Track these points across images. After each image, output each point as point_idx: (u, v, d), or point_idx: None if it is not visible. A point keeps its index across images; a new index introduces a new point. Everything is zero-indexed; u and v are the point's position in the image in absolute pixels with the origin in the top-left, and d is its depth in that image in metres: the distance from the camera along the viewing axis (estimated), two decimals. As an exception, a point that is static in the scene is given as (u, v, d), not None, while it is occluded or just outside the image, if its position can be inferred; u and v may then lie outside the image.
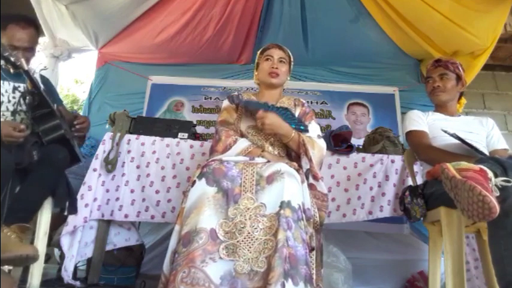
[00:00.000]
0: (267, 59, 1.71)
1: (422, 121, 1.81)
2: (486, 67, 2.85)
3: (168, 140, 2.01)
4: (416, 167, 1.95)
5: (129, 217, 1.87)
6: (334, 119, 3.18)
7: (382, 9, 2.77)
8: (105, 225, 1.90)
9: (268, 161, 1.39)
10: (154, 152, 1.97)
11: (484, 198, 1.05)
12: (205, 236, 1.13)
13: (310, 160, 1.49)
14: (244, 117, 1.67)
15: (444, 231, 1.42)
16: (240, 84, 3.27)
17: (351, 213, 1.94)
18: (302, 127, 1.57)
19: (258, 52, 1.79)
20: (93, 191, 1.81)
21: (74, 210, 1.68)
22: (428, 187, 1.57)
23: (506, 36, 2.90)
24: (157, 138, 2.00)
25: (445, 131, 1.59)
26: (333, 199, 1.95)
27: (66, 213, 1.64)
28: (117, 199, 1.88)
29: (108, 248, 1.91)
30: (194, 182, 1.26)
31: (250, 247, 1.13)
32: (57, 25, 2.89)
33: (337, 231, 2.19)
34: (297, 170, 1.35)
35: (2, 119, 1.58)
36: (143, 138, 2.00)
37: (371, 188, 1.97)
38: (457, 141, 1.57)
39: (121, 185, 1.90)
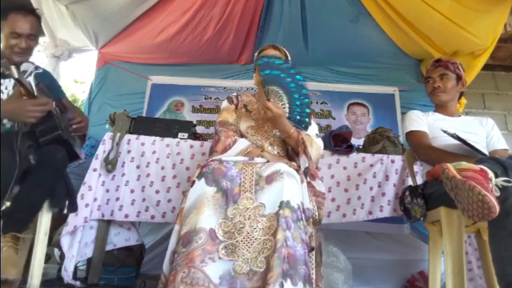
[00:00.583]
0: None
1: (422, 121, 1.81)
2: (486, 67, 2.84)
3: (168, 140, 2.01)
4: (416, 167, 1.95)
5: (129, 217, 1.88)
6: (334, 119, 3.18)
7: (382, 9, 2.77)
8: (105, 225, 1.90)
9: (268, 161, 1.39)
10: (154, 152, 1.97)
11: (484, 197, 1.05)
12: (204, 236, 1.13)
13: (309, 158, 1.48)
14: (244, 117, 1.67)
15: (444, 231, 1.42)
16: (240, 84, 3.27)
17: (351, 213, 1.94)
18: (304, 125, 1.57)
19: (255, 54, 1.80)
20: (93, 191, 1.81)
21: (73, 208, 1.66)
22: (428, 187, 1.57)
23: (506, 36, 2.89)
24: (157, 138, 2.00)
25: (445, 131, 1.59)
26: (333, 199, 1.95)
27: (65, 212, 1.63)
28: (117, 199, 1.88)
29: (108, 248, 1.91)
30: (194, 182, 1.26)
31: (249, 247, 1.13)
32: (58, 25, 2.89)
33: (337, 231, 2.19)
34: (297, 170, 1.35)
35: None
36: (143, 138, 2.00)
37: (371, 188, 1.97)
38: (457, 142, 1.57)
39: (121, 185, 1.90)
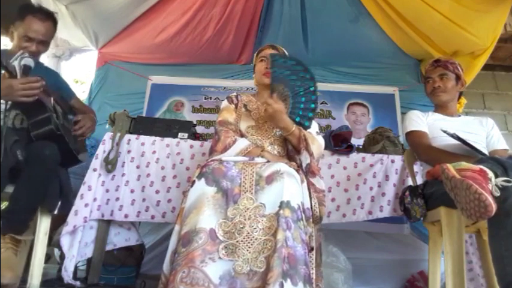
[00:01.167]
0: (261, 60, 1.72)
1: (422, 121, 1.81)
2: (486, 67, 2.84)
3: (168, 140, 2.01)
4: (416, 167, 1.95)
5: (129, 217, 1.87)
6: (334, 119, 3.18)
7: (382, 9, 2.77)
8: (105, 225, 1.90)
9: (268, 161, 1.39)
10: (154, 152, 1.97)
11: (480, 196, 1.05)
12: (204, 236, 1.13)
13: (311, 155, 1.48)
14: (244, 117, 1.67)
15: (444, 231, 1.42)
16: (240, 84, 3.27)
17: (350, 213, 1.94)
18: (306, 123, 1.57)
19: (255, 54, 1.80)
20: (93, 190, 1.81)
21: (66, 208, 1.65)
22: (428, 187, 1.57)
23: (506, 36, 2.89)
24: (157, 138, 2.00)
25: (445, 131, 1.59)
26: (333, 199, 1.95)
27: (56, 213, 1.61)
28: (117, 199, 1.87)
29: (108, 248, 1.91)
30: (194, 182, 1.26)
31: (249, 247, 1.13)
32: (58, 25, 2.89)
33: (337, 231, 2.19)
34: (297, 170, 1.35)
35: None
36: (143, 138, 2.00)
37: (371, 188, 1.97)
38: (457, 142, 1.57)
39: (121, 185, 1.90)
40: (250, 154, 1.49)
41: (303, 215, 1.24)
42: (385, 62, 3.26)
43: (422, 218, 1.62)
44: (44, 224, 1.59)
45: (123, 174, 1.91)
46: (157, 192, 1.91)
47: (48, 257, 2.18)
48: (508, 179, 1.14)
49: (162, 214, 1.89)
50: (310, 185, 1.42)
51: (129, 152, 1.96)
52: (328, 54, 3.20)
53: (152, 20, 2.95)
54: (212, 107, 3.22)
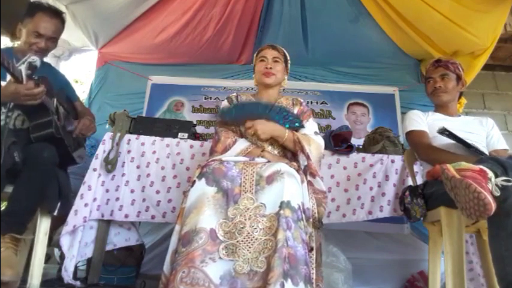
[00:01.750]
0: (262, 60, 1.72)
1: (422, 121, 1.81)
2: (486, 67, 2.84)
3: (168, 140, 2.01)
4: (416, 167, 1.95)
5: (129, 217, 1.87)
6: (334, 119, 3.18)
7: (382, 9, 2.77)
8: (105, 225, 1.90)
9: (268, 161, 1.39)
10: (154, 152, 1.97)
11: (479, 195, 1.05)
12: (205, 236, 1.13)
13: (307, 157, 1.49)
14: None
15: (444, 231, 1.42)
16: (240, 84, 3.27)
17: (350, 213, 1.94)
18: (297, 124, 1.57)
19: (254, 55, 1.80)
20: (93, 190, 1.81)
21: (65, 209, 1.65)
22: (428, 187, 1.57)
23: (506, 36, 2.89)
24: (157, 138, 2.00)
25: (440, 132, 1.58)
26: (333, 199, 1.95)
27: (55, 214, 1.62)
28: (117, 199, 1.87)
29: (108, 248, 1.91)
30: (194, 182, 1.26)
31: (249, 247, 1.13)
32: (58, 25, 2.89)
33: (337, 231, 2.19)
34: (297, 170, 1.35)
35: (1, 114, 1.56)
36: (143, 138, 2.00)
37: (371, 188, 1.97)
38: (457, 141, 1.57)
39: (121, 185, 1.90)
40: (250, 154, 1.49)
41: (303, 215, 1.24)
42: (385, 62, 3.26)
43: (422, 218, 1.62)
44: (44, 224, 1.59)
45: (123, 174, 1.91)
46: (157, 192, 1.91)
47: (48, 257, 2.18)
48: (508, 178, 1.14)
49: (162, 214, 1.89)
50: (309, 186, 1.43)
51: (129, 152, 1.96)
52: (328, 54, 3.20)
53: (152, 20, 2.95)
54: (212, 107, 3.22)
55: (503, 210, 1.10)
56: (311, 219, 1.32)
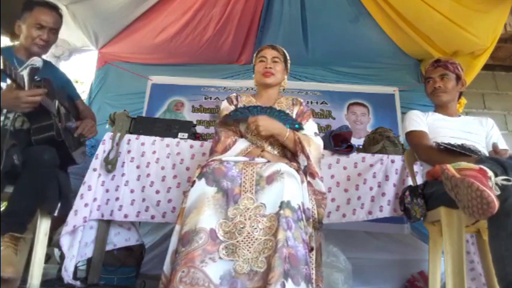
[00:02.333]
0: (261, 61, 1.73)
1: (422, 121, 1.81)
2: (486, 67, 2.84)
3: (168, 140, 2.01)
4: (416, 167, 1.95)
5: (129, 217, 1.87)
6: (334, 119, 3.18)
7: (382, 9, 2.77)
8: (105, 225, 1.90)
9: (268, 161, 1.39)
10: (154, 152, 1.97)
11: (482, 193, 1.05)
12: (205, 236, 1.13)
13: (307, 157, 1.49)
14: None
15: (444, 231, 1.42)
16: (240, 84, 3.27)
17: (350, 213, 1.94)
18: (297, 125, 1.58)
19: (254, 55, 1.80)
20: (93, 190, 1.81)
21: (66, 210, 1.66)
22: (428, 187, 1.57)
23: (506, 36, 2.89)
24: (157, 138, 2.00)
25: (439, 144, 1.59)
26: (333, 199, 1.95)
27: (56, 215, 1.62)
28: (117, 199, 1.87)
29: (108, 248, 1.91)
30: (194, 182, 1.26)
31: (250, 247, 1.13)
32: (58, 25, 2.89)
33: (337, 231, 2.19)
34: (297, 170, 1.35)
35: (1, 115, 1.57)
36: (143, 138, 2.00)
37: (371, 188, 1.97)
38: (456, 142, 1.57)
39: (121, 185, 1.90)
40: (250, 154, 1.49)
41: (303, 215, 1.24)
42: (385, 62, 3.26)
43: (422, 218, 1.62)
44: (44, 224, 1.59)
45: (123, 174, 1.91)
46: (157, 192, 1.91)
47: (48, 257, 2.18)
48: (508, 177, 1.14)
49: (162, 214, 1.89)
50: (309, 187, 1.43)
51: (129, 152, 1.96)
52: (328, 54, 3.20)
53: (152, 20, 2.95)
54: (212, 107, 3.22)
55: (503, 210, 1.10)
56: (311, 219, 1.32)
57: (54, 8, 1.79)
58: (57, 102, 1.68)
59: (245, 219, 1.17)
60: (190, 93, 3.26)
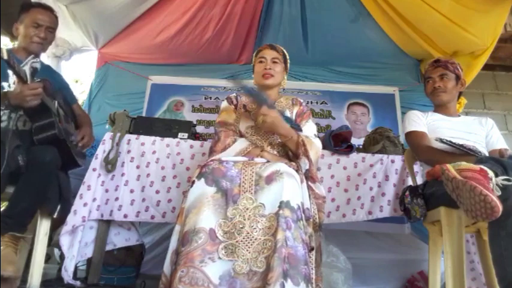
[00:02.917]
0: (260, 61, 1.72)
1: (422, 121, 1.81)
2: (486, 67, 2.84)
3: (168, 140, 2.00)
4: (416, 167, 1.95)
5: (129, 217, 1.87)
6: (334, 119, 3.18)
7: (382, 9, 2.77)
8: (105, 225, 1.90)
9: (268, 161, 1.39)
10: (154, 152, 1.97)
11: (486, 197, 1.05)
12: (204, 236, 1.13)
13: (310, 161, 1.49)
14: (243, 117, 1.67)
15: (444, 231, 1.42)
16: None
17: (350, 213, 1.94)
18: (295, 127, 1.57)
19: (253, 54, 1.80)
20: (93, 190, 1.81)
21: (66, 212, 1.66)
22: (428, 187, 1.57)
23: (506, 36, 2.90)
24: (157, 138, 2.00)
25: (440, 140, 1.59)
26: (333, 199, 1.94)
27: (55, 216, 1.62)
28: (117, 199, 1.87)
29: (108, 248, 1.91)
30: (193, 182, 1.26)
31: (249, 247, 1.13)
32: (58, 25, 2.89)
33: (337, 231, 2.18)
34: (296, 170, 1.35)
35: (1, 114, 1.57)
36: (143, 138, 2.00)
37: (371, 188, 1.97)
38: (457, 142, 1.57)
39: (120, 185, 1.89)
40: (249, 154, 1.49)
41: (303, 215, 1.24)
42: (385, 62, 3.26)
43: (422, 218, 1.62)
44: (44, 224, 1.60)
45: (122, 174, 1.91)
46: (157, 192, 1.91)
47: (48, 257, 2.18)
48: (508, 178, 1.14)
49: (162, 214, 1.89)
50: (310, 190, 1.42)
51: (129, 152, 1.96)
52: (328, 54, 3.20)
53: (152, 20, 2.95)
54: (212, 107, 3.22)
55: (503, 211, 1.10)
56: (311, 219, 1.32)
57: (50, 9, 1.86)
58: (56, 103, 1.69)
59: (244, 219, 1.17)
60: (190, 93, 3.26)
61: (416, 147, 1.77)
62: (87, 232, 1.85)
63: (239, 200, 1.21)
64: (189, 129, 2.10)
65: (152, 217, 1.89)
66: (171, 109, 3.21)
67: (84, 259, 1.84)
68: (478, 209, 1.08)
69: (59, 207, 1.62)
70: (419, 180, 1.87)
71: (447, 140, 1.55)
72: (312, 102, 3.20)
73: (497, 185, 1.13)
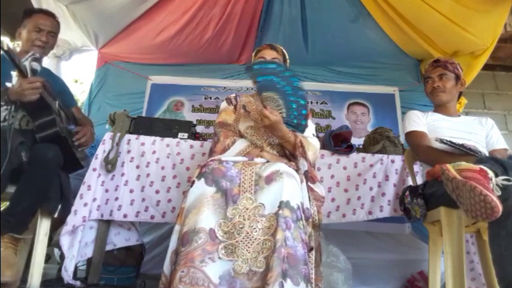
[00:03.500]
0: None
1: (422, 121, 1.81)
2: (486, 67, 2.85)
3: (168, 140, 2.00)
4: (416, 167, 1.95)
5: (128, 217, 1.87)
6: (334, 119, 3.18)
7: (382, 9, 2.77)
8: (105, 225, 1.90)
9: (268, 161, 1.39)
10: (154, 152, 1.97)
11: (486, 197, 1.05)
12: (204, 236, 1.13)
13: (309, 162, 1.49)
14: (243, 117, 1.67)
15: (444, 231, 1.42)
16: (240, 84, 3.27)
17: (350, 213, 1.94)
18: (303, 121, 1.55)
19: (253, 54, 1.80)
20: (93, 190, 1.81)
21: (65, 213, 1.66)
22: (428, 187, 1.57)
23: (506, 36, 2.90)
24: (157, 138, 2.00)
25: (441, 140, 1.59)
26: (333, 199, 1.94)
27: (56, 216, 1.62)
28: (116, 199, 1.87)
29: (108, 248, 1.91)
30: (193, 182, 1.26)
31: (249, 247, 1.13)
32: (58, 25, 2.90)
33: (337, 231, 2.19)
34: (296, 170, 1.35)
35: (2, 113, 1.57)
36: (143, 138, 2.00)
37: (371, 188, 1.97)
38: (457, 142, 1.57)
39: (120, 184, 1.89)
40: (249, 154, 1.49)
41: (303, 215, 1.24)
42: (385, 62, 3.27)
43: (422, 218, 1.62)
44: (44, 224, 1.59)
45: (122, 174, 1.91)
46: (157, 192, 1.91)
47: (48, 257, 2.18)
48: (508, 178, 1.14)
49: (162, 214, 1.89)
50: (310, 191, 1.42)
51: (129, 152, 1.96)
52: (328, 54, 3.20)
53: (152, 20, 2.95)
54: (212, 107, 3.22)
55: (503, 211, 1.10)
56: (310, 219, 1.32)
57: (52, 15, 1.91)
58: (57, 103, 1.69)
59: (244, 219, 1.17)
60: (190, 93, 3.27)
61: (416, 147, 1.77)
62: (87, 232, 1.85)
63: (239, 200, 1.21)
64: (189, 129, 2.11)
65: (152, 217, 1.89)
66: (171, 109, 3.21)
67: (84, 259, 1.84)
68: (478, 209, 1.08)
69: (59, 206, 1.62)
70: (419, 180, 1.87)
71: (447, 141, 1.55)
72: (312, 102, 3.20)
73: (497, 185, 1.13)
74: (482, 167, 1.18)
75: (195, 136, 2.15)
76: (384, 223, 2.29)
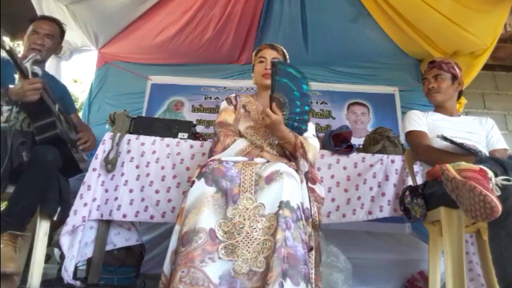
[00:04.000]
0: (261, 61, 1.71)
1: (422, 121, 1.82)
2: (486, 67, 2.84)
3: (168, 140, 2.00)
4: (416, 167, 1.95)
5: (128, 217, 1.87)
6: (334, 119, 3.18)
7: (382, 9, 2.77)
8: (105, 225, 1.90)
9: (268, 161, 1.39)
10: (154, 152, 1.97)
11: (485, 197, 1.05)
12: (204, 236, 1.13)
13: (309, 163, 1.49)
14: (243, 117, 1.67)
15: (444, 231, 1.42)
16: (240, 84, 3.27)
17: (350, 213, 1.94)
18: (304, 126, 1.55)
19: (253, 54, 1.79)
20: (93, 190, 1.81)
21: (64, 216, 1.66)
22: (428, 187, 1.57)
23: (506, 36, 2.90)
24: (157, 138, 2.00)
25: (442, 137, 1.59)
26: (333, 199, 1.94)
27: (55, 219, 1.62)
28: (116, 199, 1.87)
29: (108, 248, 1.91)
30: (193, 182, 1.26)
31: (249, 247, 1.13)
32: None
33: (337, 231, 2.18)
34: (296, 170, 1.35)
35: (4, 114, 1.58)
36: (143, 138, 2.00)
37: (371, 188, 1.97)
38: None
39: (120, 184, 1.89)
40: (249, 154, 1.49)
41: (303, 215, 1.24)
42: (385, 62, 3.27)
43: (422, 218, 1.62)
44: (43, 224, 1.59)
45: (122, 174, 1.91)
46: (157, 192, 1.91)
47: (48, 257, 2.18)
48: (508, 177, 1.14)
49: (161, 214, 1.89)
50: (310, 192, 1.42)
51: (128, 152, 1.95)
52: (328, 54, 3.20)
53: (152, 20, 2.95)
54: (212, 107, 3.22)
55: (503, 211, 1.10)
56: (310, 219, 1.32)
57: (53, 19, 1.95)
58: (57, 106, 1.70)
59: (244, 219, 1.17)
60: (190, 93, 3.27)
61: (416, 147, 1.77)
62: (87, 232, 1.84)
63: (239, 200, 1.21)
64: (189, 129, 2.11)
65: (151, 217, 1.89)
66: (171, 109, 3.21)
67: (84, 259, 1.84)
68: (477, 209, 1.08)
69: (59, 209, 1.62)
70: (419, 180, 1.87)
71: (449, 139, 1.55)
72: (312, 102, 3.20)
73: (496, 185, 1.13)
74: (482, 167, 1.19)
75: (195, 136, 2.15)
76: (383, 223, 2.29)
